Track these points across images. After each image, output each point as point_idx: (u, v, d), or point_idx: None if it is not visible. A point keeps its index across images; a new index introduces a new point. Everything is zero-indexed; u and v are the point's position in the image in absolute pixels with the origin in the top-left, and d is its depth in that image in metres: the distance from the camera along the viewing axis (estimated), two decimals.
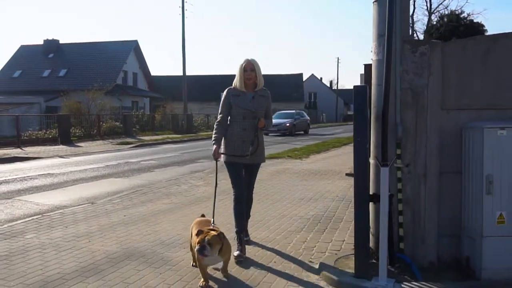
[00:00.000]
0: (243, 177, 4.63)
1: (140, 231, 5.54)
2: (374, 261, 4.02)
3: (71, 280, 3.91)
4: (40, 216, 6.40)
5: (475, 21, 25.62)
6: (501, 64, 3.95)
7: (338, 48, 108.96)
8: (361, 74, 6.59)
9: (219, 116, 4.59)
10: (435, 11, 42.03)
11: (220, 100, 4.72)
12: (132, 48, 45.10)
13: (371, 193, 3.99)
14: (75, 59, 43.05)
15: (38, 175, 10.67)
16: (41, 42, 45.25)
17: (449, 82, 3.96)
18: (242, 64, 4.51)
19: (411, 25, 39.40)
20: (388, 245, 3.88)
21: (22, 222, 6.00)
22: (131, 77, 45.57)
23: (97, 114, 24.14)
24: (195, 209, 6.69)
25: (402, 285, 3.57)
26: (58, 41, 45.75)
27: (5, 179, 10.06)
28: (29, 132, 22.39)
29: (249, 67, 4.49)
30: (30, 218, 6.25)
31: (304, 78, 62.97)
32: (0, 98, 37.78)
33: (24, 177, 10.38)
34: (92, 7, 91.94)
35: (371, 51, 4.23)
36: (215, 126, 4.58)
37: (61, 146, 18.88)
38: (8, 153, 15.69)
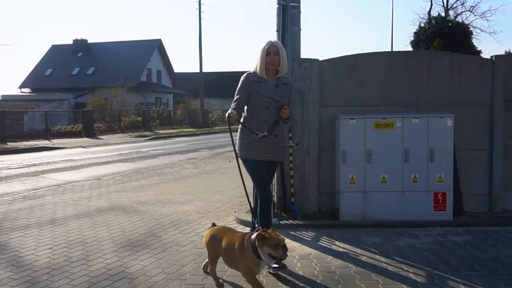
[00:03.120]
0: (267, 176, 4.01)
1: (127, 196, 7.48)
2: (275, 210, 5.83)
3: (70, 220, 5.86)
4: (57, 186, 8.45)
5: (482, 19, 26.54)
6: (362, 75, 5.69)
7: (346, 43, 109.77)
8: None
9: (234, 103, 3.88)
10: (450, 8, 42.92)
11: None
12: (155, 46, 47.26)
13: None
14: (102, 58, 45.33)
15: (60, 160, 12.85)
16: (71, 42, 47.78)
17: (325, 87, 5.72)
18: (264, 47, 3.89)
19: (427, 21, 40.49)
20: (283, 200, 5.71)
21: (43, 190, 8.06)
22: (155, 74, 47.80)
23: (118, 109, 26.41)
24: (176, 183, 8.65)
25: (281, 222, 5.37)
26: (86, 40, 48.24)
27: (34, 163, 12.25)
28: (59, 126, 24.89)
29: (273, 51, 3.88)
30: (49, 188, 8.30)
31: None
32: (33, 95, 40.83)
33: (49, 162, 12.56)
34: (119, 7, 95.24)
35: None
36: (230, 109, 3.85)
37: (84, 139, 21.18)
38: (37, 144, 18.06)
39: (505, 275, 3.74)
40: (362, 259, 4.21)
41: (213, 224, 3.78)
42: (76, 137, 21.65)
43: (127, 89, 32.99)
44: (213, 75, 50.72)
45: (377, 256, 4.25)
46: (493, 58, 5.68)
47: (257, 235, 3.19)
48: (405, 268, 3.93)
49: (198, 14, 35.75)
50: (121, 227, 5.49)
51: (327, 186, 5.76)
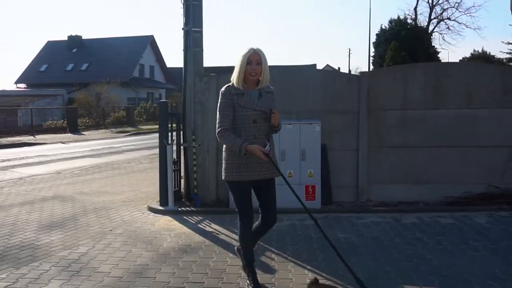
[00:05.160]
0: (251, 199, 3.70)
1: (74, 187, 8.72)
2: (183, 200, 7.06)
3: (14, 206, 7.09)
4: (18, 179, 9.70)
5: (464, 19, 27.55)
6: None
7: (350, 39, 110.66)
8: None
9: (221, 124, 3.55)
10: (436, 4, 43.89)
11: None
12: (148, 42, 48.27)
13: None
14: (96, 54, 46.28)
15: (34, 155, 14.12)
16: (66, 38, 48.89)
17: None
18: (245, 55, 3.49)
19: (414, 18, 41.54)
20: (188, 191, 6.95)
21: (5, 182, 9.32)
22: (148, 69, 48.88)
23: (103, 106, 27.66)
24: (123, 177, 9.90)
25: (179, 209, 6.60)
26: (81, 37, 49.32)
27: (8, 158, 13.52)
28: (49, 121, 26.14)
29: (255, 59, 3.50)
30: (11, 180, 9.56)
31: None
32: (28, 90, 42.07)
33: (23, 157, 13.83)
34: (113, 3, 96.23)
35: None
36: (222, 135, 3.54)
37: (68, 134, 22.46)
38: (21, 139, 19.34)
39: (316, 248, 4.96)
40: (220, 237, 5.44)
41: (316, 280, 3.38)
42: (60, 133, 22.90)
43: (119, 85, 34.25)
44: (207, 70, 51.64)
45: (233, 235, 5.46)
46: (359, 74, 6.87)
47: None
48: None
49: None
50: (51, 212, 6.73)
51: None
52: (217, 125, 3.61)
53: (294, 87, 6.88)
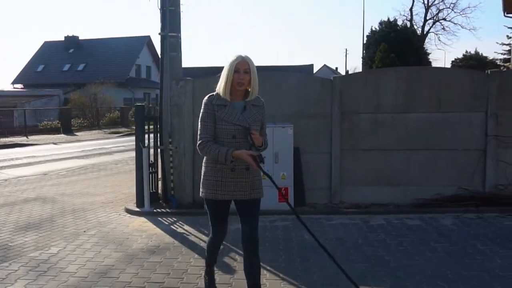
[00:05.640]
0: (227, 217, 3.54)
1: (57, 189, 8.85)
2: (161, 202, 7.21)
3: (3, 207, 7.26)
4: (4, 181, 9.84)
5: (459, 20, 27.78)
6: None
7: (347, 39, 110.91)
8: None
9: (202, 136, 3.28)
10: (432, 5, 44.03)
11: None
12: (144, 43, 48.45)
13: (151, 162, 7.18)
14: (93, 54, 46.40)
15: (24, 157, 14.26)
16: (63, 38, 49.03)
17: (197, 101, 7.04)
18: (232, 62, 3.22)
19: (409, 19, 41.73)
20: (165, 192, 7.09)
21: None
22: (145, 70, 49.05)
23: (96, 107, 27.80)
24: (108, 178, 10.05)
25: (154, 210, 6.75)
26: (77, 37, 49.47)
27: None
28: (45, 122, 26.27)
29: (243, 68, 3.22)
30: None
31: (316, 69, 65.20)
32: (25, 90, 42.20)
33: (12, 158, 13.97)
34: (110, 3, 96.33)
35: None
36: (203, 147, 3.27)
37: (61, 135, 22.59)
38: (13, 140, 19.48)
39: (281, 249, 5.10)
40: (190, 238, 5.58)
41: None
42: (54, 134, 23.02)
43: (115, 85, 34.39)
44: (200, 70, 51.80)
45: (202, 236, 5.61)
46: (332, 79, 7.01)
47: None
48: None
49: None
50: (30, 214, 6.86)
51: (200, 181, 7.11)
52: (198, 137, 3.33)
53: (268, 91, 7.00)
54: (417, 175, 6.96)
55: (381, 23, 26.36)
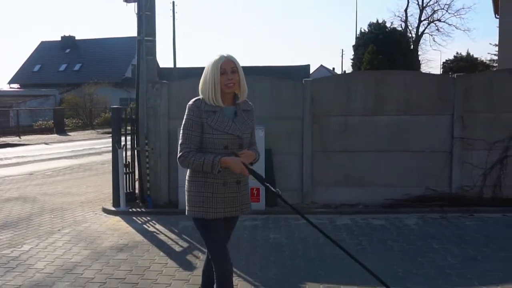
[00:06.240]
0: (223, 236, 3.01)
1: (40, 188, 9.05)
2: (137, 201, 7.41)
3: None
4: None
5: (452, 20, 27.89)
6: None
7: (345, 40, 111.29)
8: None
9: (184, 146, 2.84)
10: (426, 6, 44.23)
11: None
12: None
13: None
14: (89, 54, 46.52)
15: (13, 156, 14.46)
16: (59, 38, 49.16)
17: (172, 104, 7.25)
18: (216, 63, 2.82)
19: (404, 19, 41.96)
20: (142, 192, 7.29)
21: None
22: None
23: (90, 107, 28.00)
24: (92, 178, 10.24)
25: (129, 209, 6.95)
26: (74, 37, 49.59)
27: None
28: (40, 122, 26.49)
29: (230, 68, 2.83)
30: None
31: (313, 69, 65.28)
32: (21, 90, 42.38)
33: (2, 158, 14.16)
34: (107, 3, 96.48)
35: None
36: (185, 158, 2.82)
37: (54, 135, 22.79)
38: (5, 140, 19.67)
39: (243, 248, 5.30)
40: (159, 236, 5.78)
41: None
42: (47, 134, 23.22)
43: (111, 85, 34.59)
44: (195, 70, 51.94)
45: (169, 233, 5.82)
46: (303, 82, 7.22)
47: None
48: (177, 242, 5.51)
49: (172, 15, 37.08)
50: (9, 213, 7.06)
51: (176, 182, 7.32)
52: (179, 148, 2.85)
53: None
54: (386, 176, 7.16)
55: (370, 25, 26.64)
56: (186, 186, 2.99)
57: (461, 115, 7.01)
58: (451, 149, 7.07)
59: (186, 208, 2.97)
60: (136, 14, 7.18)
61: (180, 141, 2.87)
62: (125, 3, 7.24)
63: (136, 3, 7.12)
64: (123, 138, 7.40)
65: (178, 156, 2.86)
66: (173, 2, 37.25)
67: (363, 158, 7.20)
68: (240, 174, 2.84)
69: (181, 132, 2.88)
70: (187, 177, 2.98)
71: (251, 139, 3.04)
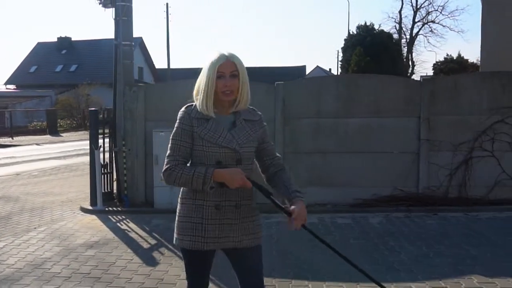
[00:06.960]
0: (208, 272, 2.56)
1: (24, 188, 9.27)
2: (115, 201, 7.63)
3: None
4: None
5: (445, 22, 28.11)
6: (173, 97, 7.46)
7: (342, 40, 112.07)
8: None
9: (171, 159, 2.39)
10: (421, 7, 44.50)
11: None
12: (137, 44, 48.68)
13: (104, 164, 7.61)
14: (85, 55, 46.69)
15: (3, 157, 14.67)
16: (55, 39, 49.34)
17: (149, 106, 7.48)
18: (213, 64, 2.33)
19: (398, 21, 42.23)
20: (119, 192, 7.51)
21: None
22: (137, 71, 49.28)
23: (83, 108, 28.20)
24: (76, 178, 10.47)
25: (106, 208, 7.17)
26: (70, 38, 49.79)
27: None
28: (35, 122, 26.70)
29: (229, 70, 2.33)
30: None
31: (309, 70, 65.52)
32: (17, 91, 42.57)
33: None
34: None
35: None
36: (171, 172, 2.36)
37: (46, 136, 23.00)
38: None
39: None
40: (130, 234, 6.00)
41: None
42: (40, 135, 23.42)
43: (107, 86, 34.73)
44: (190, 71, 52.23)
45: (140, 231, 6.03)
46: (275, 85, 7.44)
47: None
48: (147, 239, 5.73)
49: (166, 16, 37.33)
50: None
51: (152, 182, 7.55)
52: (165, 161, 2.40)
53: None
54: (356, 176, 7.39)
55: (358, 27, 26.95)
56: (177, 208, 2.50)
57: (427, 117, 7.24)
58: (418, 151, 7.30)
59: (174, 235, 2.49)
60: (114, 19, 7.40)
61: (167, 153, 2.42)
62: (104, 8, 7.44)
63: (113, 9, 7.34)
64: (101, 140, 7.61)
65: (163, 170, 2.39)
66: (167, 4, 37.46)
67: (334, 159, 7.43)
68: (240, 196, 2.41)
69: (169, 142, 2.43)
70: (179, 198, 2.52)
71: (270, 151, 2.61)
